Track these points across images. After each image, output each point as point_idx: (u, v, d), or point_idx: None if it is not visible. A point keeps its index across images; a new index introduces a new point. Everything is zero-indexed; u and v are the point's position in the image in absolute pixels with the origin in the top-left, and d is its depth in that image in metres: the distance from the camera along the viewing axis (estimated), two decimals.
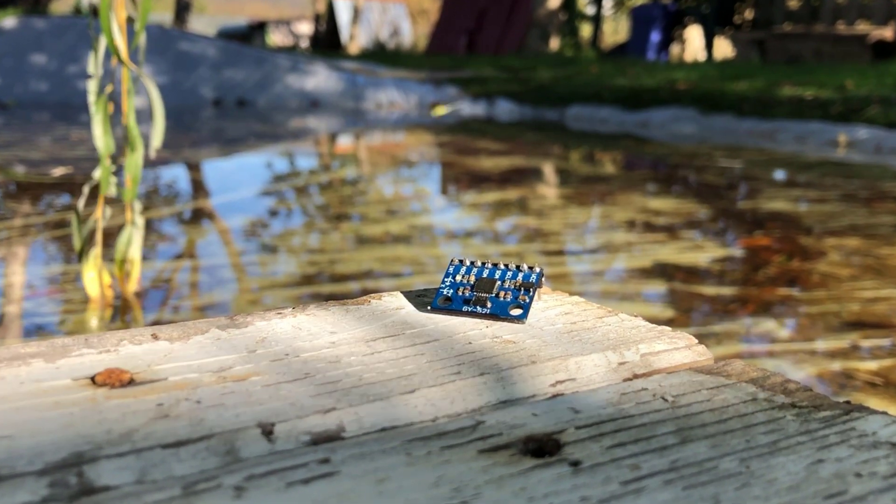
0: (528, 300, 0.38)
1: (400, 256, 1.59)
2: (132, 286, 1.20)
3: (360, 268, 1.50)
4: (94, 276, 1.16)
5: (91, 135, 2.56)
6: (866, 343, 1.11)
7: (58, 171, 2.45)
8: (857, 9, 6.23)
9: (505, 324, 0.37)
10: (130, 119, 1.08)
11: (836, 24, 6.29)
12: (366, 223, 1.92)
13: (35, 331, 1.10)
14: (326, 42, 11.51)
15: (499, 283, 0.39)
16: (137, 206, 1.16)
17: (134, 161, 1.10)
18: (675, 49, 8.05)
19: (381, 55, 8.32)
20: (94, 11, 1.10)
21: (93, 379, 0.30)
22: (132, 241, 1.16)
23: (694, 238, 1.78)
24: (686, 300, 1.32)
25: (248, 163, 3.11)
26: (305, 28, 13.57)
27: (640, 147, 3.62)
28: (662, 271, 1.49)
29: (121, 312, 1.18)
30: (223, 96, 5.39)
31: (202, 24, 15.13)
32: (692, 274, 1.48)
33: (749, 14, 7.11)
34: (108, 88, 1.09)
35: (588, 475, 0.25)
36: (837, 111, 3.77)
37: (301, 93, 5.54)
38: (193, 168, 2.81)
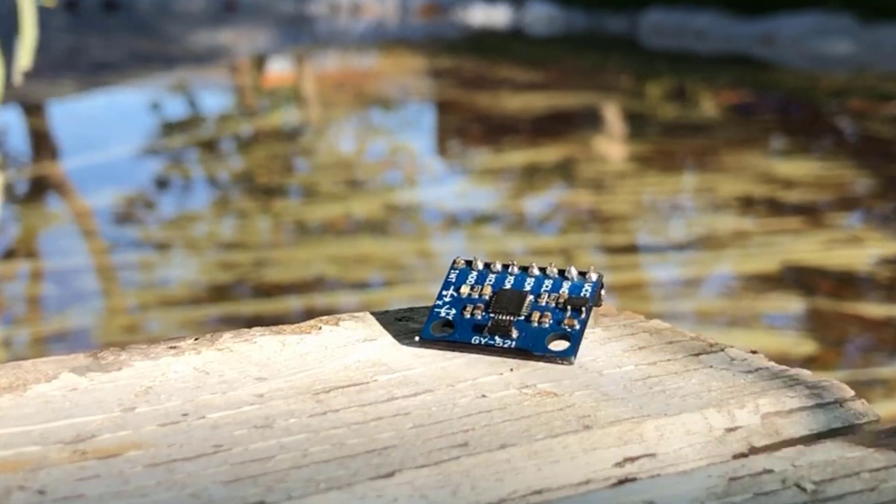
0: (577, 326, 0.38)
1: (368, 255, 1.59)
2: None
3: (303, 273, 1.50)
4: None
5: None
6: None
7: None
8: None
9: (541, 365, 0.37)
10: None
11: None
12: (313, 201, 1.92)
13: None
14: None
15: (531, 298, 0.39)
16: None
17: None
18: None
19: None
20: None
21: None
22: None
23: (849, 225, 1.78)
24: (836, 326, 1.32)
25: (121, 103, 3.11)
26: None
27: (760, 76, 3.62)
28: (797, 279, 1.49)
29: None
30: None
31: None
32: (846, 284, 1.48)
33: None
34: None
35: None
36: None
37: None
38: (33, 111, 2.81)
